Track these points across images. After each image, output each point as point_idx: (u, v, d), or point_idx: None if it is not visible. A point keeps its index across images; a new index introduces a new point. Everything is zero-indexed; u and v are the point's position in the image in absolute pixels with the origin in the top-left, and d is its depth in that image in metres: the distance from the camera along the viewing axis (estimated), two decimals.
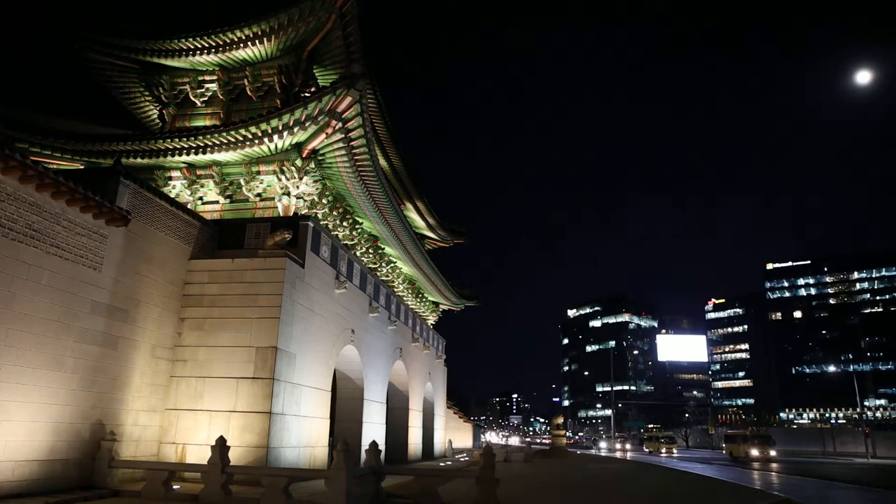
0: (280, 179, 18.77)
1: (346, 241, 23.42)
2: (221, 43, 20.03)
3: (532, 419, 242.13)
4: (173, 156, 18.16)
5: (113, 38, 20.75)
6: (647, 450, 60.98)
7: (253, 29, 19.61)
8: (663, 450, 55.32)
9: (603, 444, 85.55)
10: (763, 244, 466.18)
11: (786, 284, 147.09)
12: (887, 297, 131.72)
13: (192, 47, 20.25)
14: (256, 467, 13.35)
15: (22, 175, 10.76)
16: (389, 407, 26.31)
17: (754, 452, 41.46)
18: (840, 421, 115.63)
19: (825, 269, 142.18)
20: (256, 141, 17.46)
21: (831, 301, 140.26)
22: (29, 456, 10.81)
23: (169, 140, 17.91)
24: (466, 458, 31.64)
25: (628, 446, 74.13)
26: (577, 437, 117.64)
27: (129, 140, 18.39)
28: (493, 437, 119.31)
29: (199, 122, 21.39)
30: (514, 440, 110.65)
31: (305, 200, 19.36)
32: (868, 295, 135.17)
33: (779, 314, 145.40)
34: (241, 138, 17.45)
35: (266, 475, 11.54)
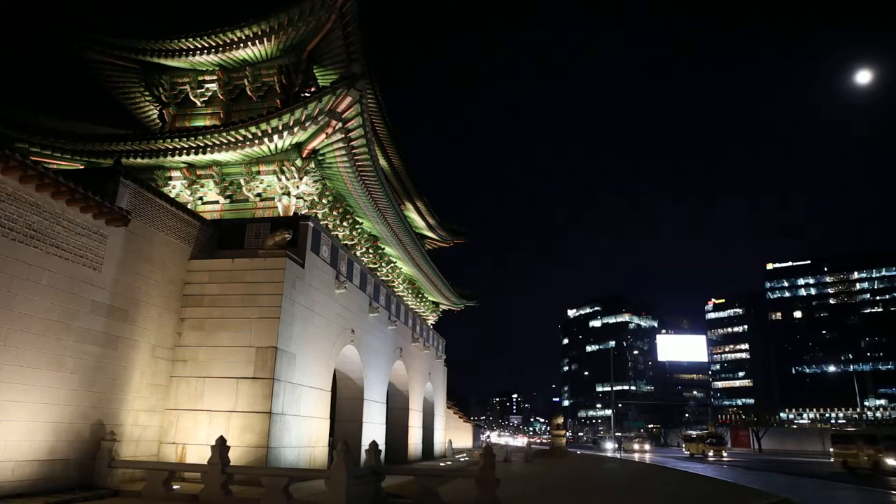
0: (280, 179, 18.77)
1: (346, 241, 23.42)
2: (221, 43, 20.03)
3: (532, 419, 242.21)
4: (173, 156, 18.16)
5: (113, 39, 20.75)
6: (687, 452, 51.44)
7: (253, 29, 19.61)
8: (710, 452, 46.06)
9: (607, 445, 77.32)
10: (763, 244, 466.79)
11: (786, 284, 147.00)
12: (887, 297, 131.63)
13: (192, 47, 20.25)
14: (256, 467, 13.35)
15: (22, 175, 10.76)
16: (389, 407, 26.30)
17: (890, 462, 26.84)
18: (840, 421, 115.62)
19: (825, 269, 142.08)
20: (256, 141, 17.46)
21: (831, 301, 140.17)
22: (29, 456, 10.81)
23: (169, 140, 17.91)
24: (466, 458, 31.67)
25: (647, 447, 63.51)
26: (571, 437, 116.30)
27: (129, 140, 18.39)
28: (493, 437, 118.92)
29: (199, 122, 21.39)
30: (517, 441, 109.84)
31: (305, 200, 19.37)
32: (868, 295, 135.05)
33: (779, 314, 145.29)
34: (241, 138, 17.45)
35: (266, 475, 11.55)
